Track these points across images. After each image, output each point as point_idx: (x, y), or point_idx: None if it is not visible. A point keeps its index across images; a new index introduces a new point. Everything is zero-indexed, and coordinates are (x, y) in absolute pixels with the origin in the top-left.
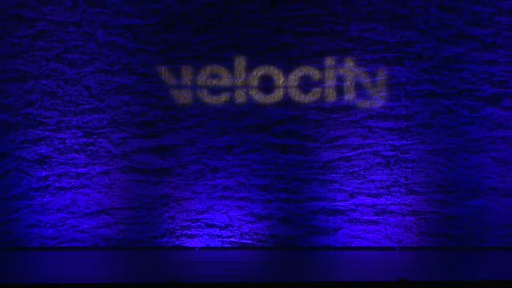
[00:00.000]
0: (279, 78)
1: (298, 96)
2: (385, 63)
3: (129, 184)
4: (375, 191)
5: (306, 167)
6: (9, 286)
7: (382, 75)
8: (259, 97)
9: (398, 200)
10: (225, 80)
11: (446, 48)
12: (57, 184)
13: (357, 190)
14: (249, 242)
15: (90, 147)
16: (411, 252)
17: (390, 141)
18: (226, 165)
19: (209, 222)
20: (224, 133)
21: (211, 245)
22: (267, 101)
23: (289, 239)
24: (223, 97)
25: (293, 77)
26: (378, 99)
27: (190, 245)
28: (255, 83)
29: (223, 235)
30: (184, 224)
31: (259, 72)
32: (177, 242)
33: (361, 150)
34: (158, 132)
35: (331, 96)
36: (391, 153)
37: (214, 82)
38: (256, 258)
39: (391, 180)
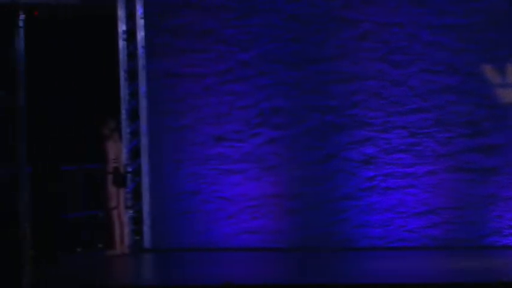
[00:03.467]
0: None
1: None
2: None
3: (456, 184)
4: None
5: None
6: (341, 286)
7: None
8: None
9: None
10: None
11: None
12: (383, 184)
13: None
14: None
15: (416, 147)
16: None
17: None
18: None
19: None
20: None
21: None
22: None
23: None
24: None
25: None
26: None
27: None
28: None
29: None
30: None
31: None
32: (504, 241)
33: None
34: (484, 131)
35: None
36: None
37: None
38: None
39: None
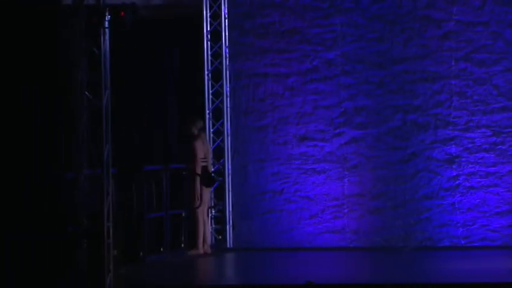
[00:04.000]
0: None
1: None
2: None
3: None
4: None
5: None
6: (424, 286)
7: None
8: None
9: None
10: None
11: None
12: (466, 183)
13: None
14: None
15: (499, 146)
16: None
17: None
18: None
19: None
20: None
21: None
22: None
23: None
24: None
25: None
26: None
27: None
28: None
29: None
30: None
31: None
32: None
33: None
34: None
35: None
36: None
37: None
38: None
39: None
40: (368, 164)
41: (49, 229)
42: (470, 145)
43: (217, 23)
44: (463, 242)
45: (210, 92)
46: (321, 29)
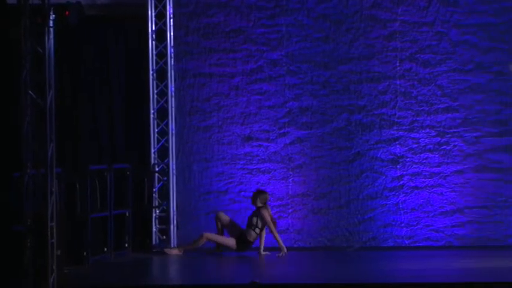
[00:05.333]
0: None
1: None
2: None
3: (483, 183)
4: None
5: None
6: (367, 286)
7: None
8: None
9: None
10: None
11: None
12: (410, 184)
13: None
14: None
15: (444, 147)
16: None
17: None
18: None
19: None
20: None
21: None
22: None
23: None
24: None
25: None
26: None
27: None
28: None
29: None
30: None
31: None
32: None
33: None
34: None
35: None
36: None
37: None
38: None
39: None
40: (312, 164)
41: None
42: (414, 145)
43: (162, 22)
44: (407, 242)
45: (155, 91)
46: (266, 29)
